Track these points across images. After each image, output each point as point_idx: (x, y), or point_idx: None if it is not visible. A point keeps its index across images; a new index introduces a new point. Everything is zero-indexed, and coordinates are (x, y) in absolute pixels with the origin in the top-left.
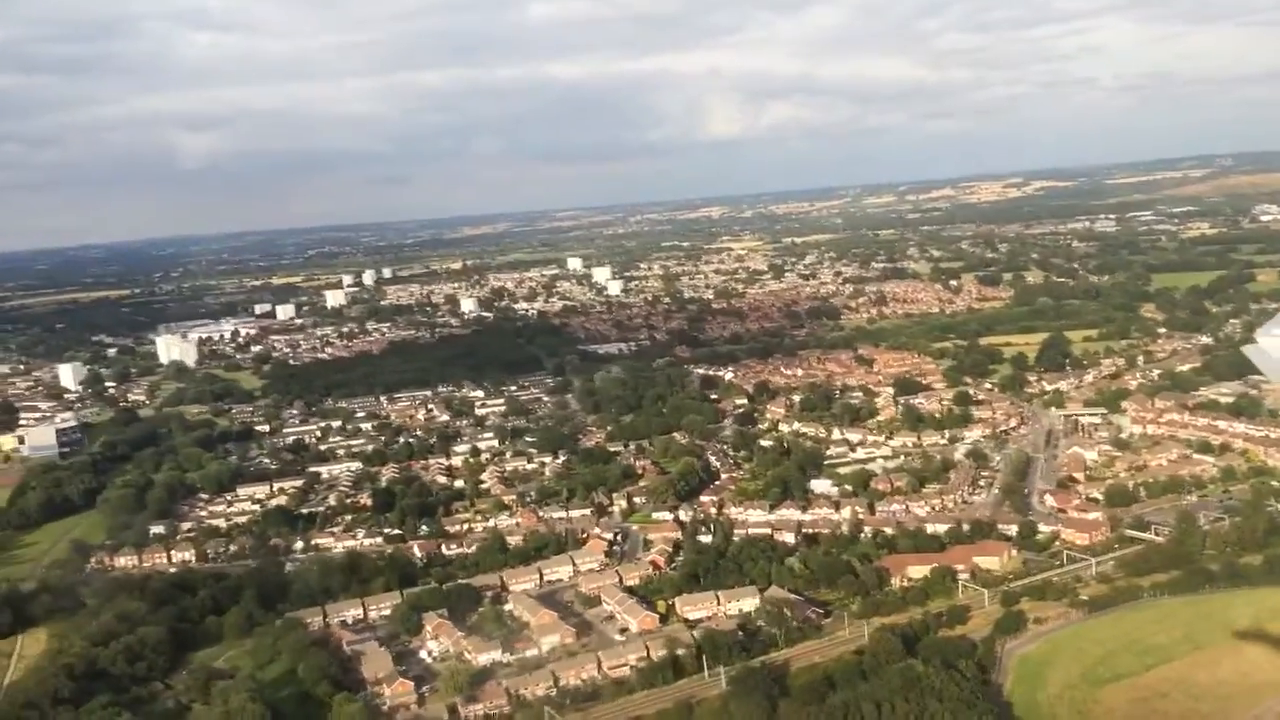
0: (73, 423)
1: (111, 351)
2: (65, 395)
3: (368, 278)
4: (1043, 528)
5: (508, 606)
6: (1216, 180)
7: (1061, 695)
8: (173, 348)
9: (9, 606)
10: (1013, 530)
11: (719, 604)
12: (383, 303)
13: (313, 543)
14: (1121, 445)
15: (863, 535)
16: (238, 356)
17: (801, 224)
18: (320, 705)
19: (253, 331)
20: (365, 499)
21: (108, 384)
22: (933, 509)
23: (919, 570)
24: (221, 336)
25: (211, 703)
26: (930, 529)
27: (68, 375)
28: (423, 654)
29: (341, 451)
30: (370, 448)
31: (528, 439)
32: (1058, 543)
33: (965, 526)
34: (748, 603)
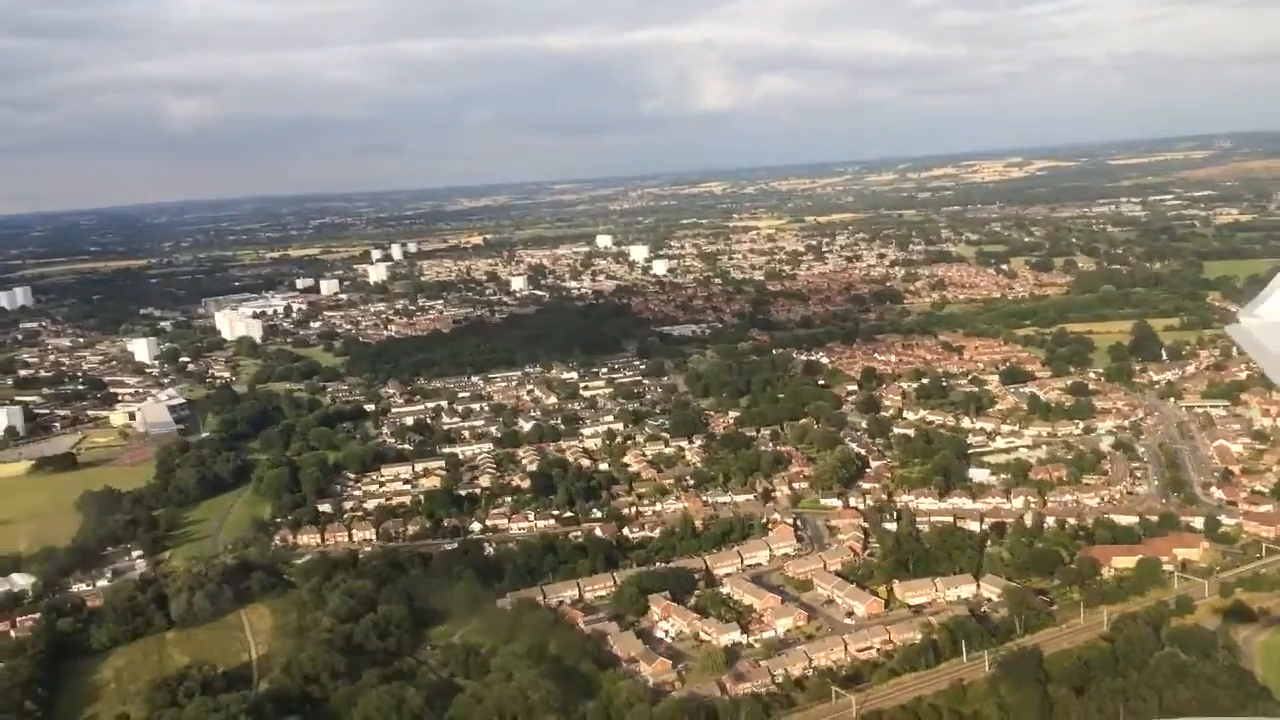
0: (180, 400)
1: (165, 325)
2: (146, 370)
3: (396, 252)
4: (1224, 520)
5: (725, 589)
6: (1227, 164)
7: None
8: (236, 323)
9: (228, 583)
10: (1198, 523)
11: (937, 590)
12: (423, 278)
13: (488, 524)
14: (1260, 437)
15: (1045, 525)
16: (300, 333)
17: (814, 202)
18: (584, 682)
19: (303, 306)
20: (518, 480)
21: (182, 359)
22: (1102, 500)
23: (1123, 561)
24: (275, 311)
25: (484, 679)
26: (1120, 520)
27: (142, 350)
28: (659, 634)
29: (466, 433)
30: (492, 429)
31: (654, 423)
32: (1244, 535)
33: (1153, 518)
34: (965, 590)
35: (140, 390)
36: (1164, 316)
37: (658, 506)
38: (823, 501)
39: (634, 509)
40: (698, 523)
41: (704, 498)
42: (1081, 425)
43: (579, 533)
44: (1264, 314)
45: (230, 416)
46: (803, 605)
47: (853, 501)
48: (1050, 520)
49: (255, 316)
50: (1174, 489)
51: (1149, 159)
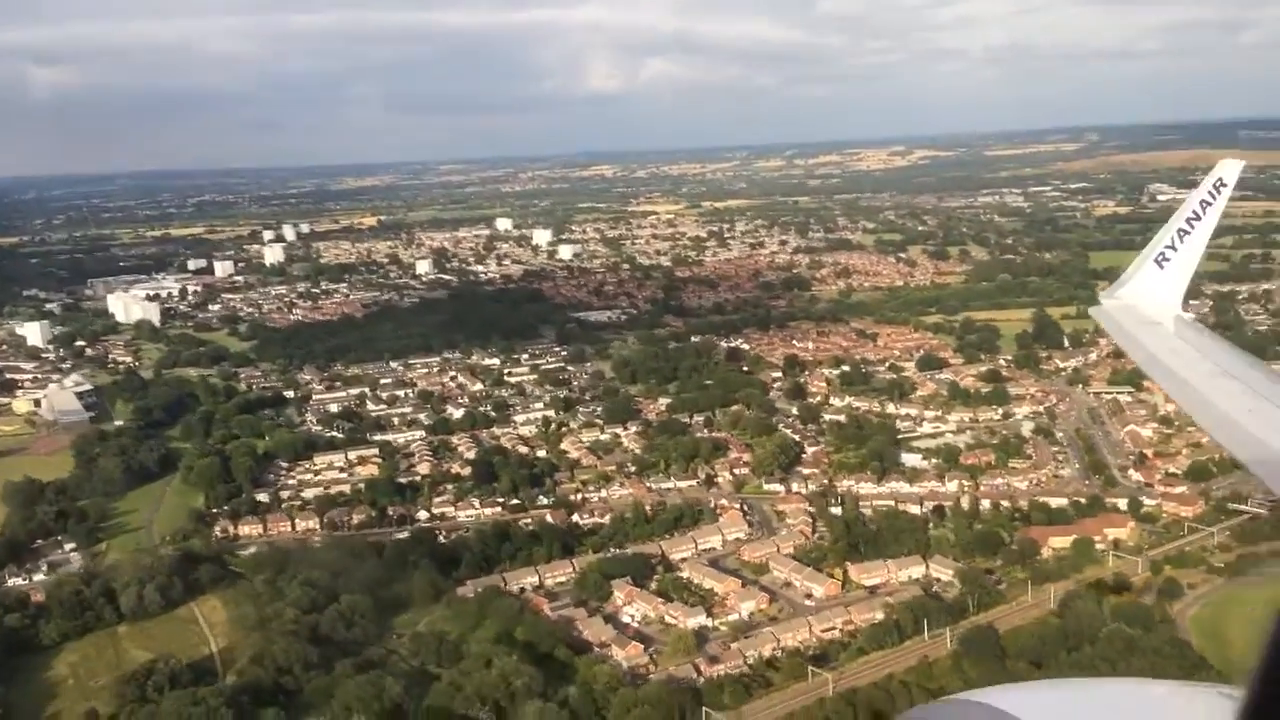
0: (87, 386)
1: (51, 308)
2: (42, 355)
3: (289, 233)
4: (1146, 501)
5: (684, 574)
6: (1097, 157)
7: (1246, 653)
8: (132, 306)
9: (177, 575)
10: (1122, 504)
11: (889, 571)
12: (321, 260)
13: (434, 512)
14: (1166, 422)
15: (982, 508)
16: (200, 316)
17: (707, 187)
18: (559, 667)
19: (198, 289)
20: (457, 468)
21: (78, 343)
22: (1030, 483)
23: (1059, 541)
24: (170, 294)
25: (459, 666)
26: (1051, 502)
27: (34, 333)
28: (624, 619)
29: (396, 420)
30: (421, 416)
31: (585, 410)
32: (1164, 514)
33: (1081, 500)
34: (916, 570)
35: (40, 376)
36: (1059, 305)
37: (603, 493)
38: (765, 487)
39: (580, 496)
40: (648, 509)
41: (648, 484)
42: (1000, 411)
43: (529, 520)
44: (1123, 296)
45: (143, 404)
46: (762, 588)
47: (795, 487)
48: (985, 503)
49: (149, 299)
50: (1094, 472)
51: (1023, 150)
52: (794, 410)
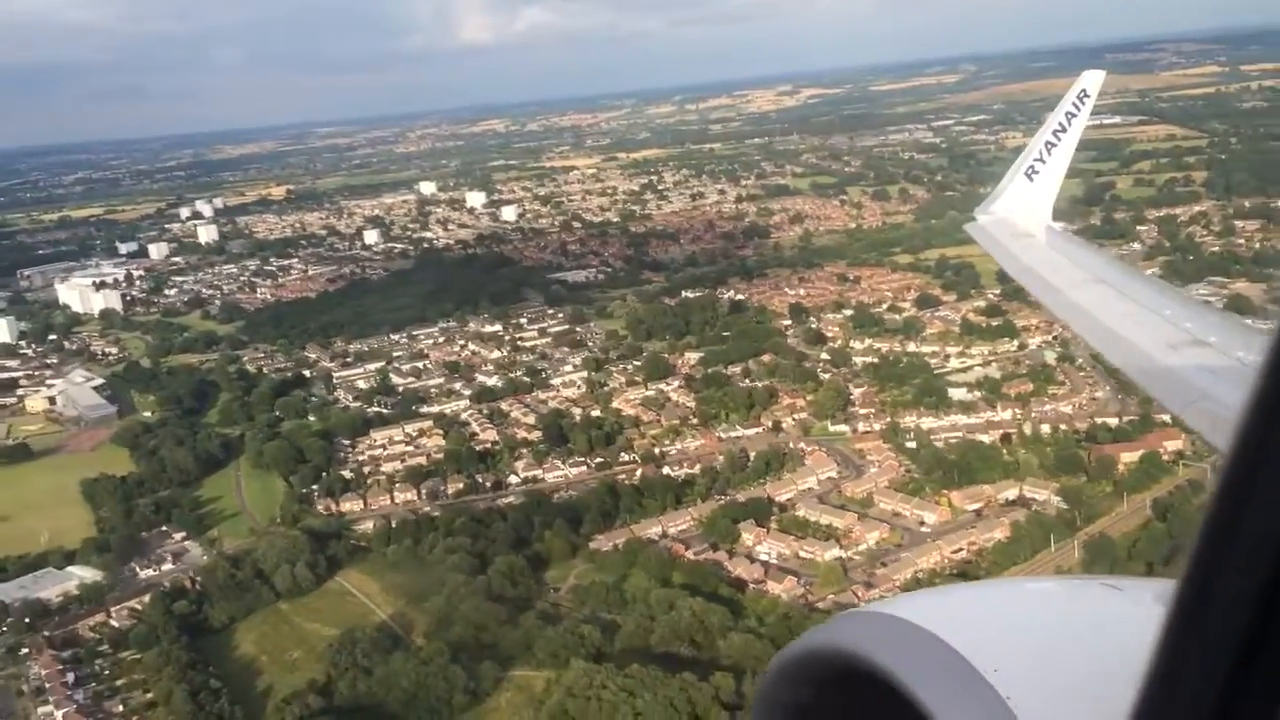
0: (98, 380)
1: None
2: (20, 352)
3: (206, 209)
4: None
5: (799, 513)
6: (987, 89)
7: None
8: (88, 295)
9: (331, 558)
10: (1165, 418)
11: (987, 496)
12: (257, 236)
13: (523, 476)
14: None
15: (1042, 432)
16: (162, 301)
17: (610, 137)
18: (727, 604)
19: (140, 273)
20: (523, 433)
21: (52, 338)
22: (1074, 407)
23: (1129, 456)
24: (116, 280)
25: (631, 611)
26: (1110, 423)
27: (3, 330)
28: (762, 557)
29: (434, 391)
30: (456, 386)
31: (615, 368)
32: None
33: (1129, 419)
34: (1010, 492)
35: (33, 373)
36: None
37: (677, 446)
38: (830, 429)
39: (657, 450)
40: (736, 457)
41: (718, 434)
42: (1015, 343)
43: (622, 476)
44: (996, 210)
45: (164, 393)
46: (877, 520)
47: (861, 427)
48: (1045, 428)
49: (98, 287)
50: (1125, 392)
51: (906, 84)
52: (823, 355)
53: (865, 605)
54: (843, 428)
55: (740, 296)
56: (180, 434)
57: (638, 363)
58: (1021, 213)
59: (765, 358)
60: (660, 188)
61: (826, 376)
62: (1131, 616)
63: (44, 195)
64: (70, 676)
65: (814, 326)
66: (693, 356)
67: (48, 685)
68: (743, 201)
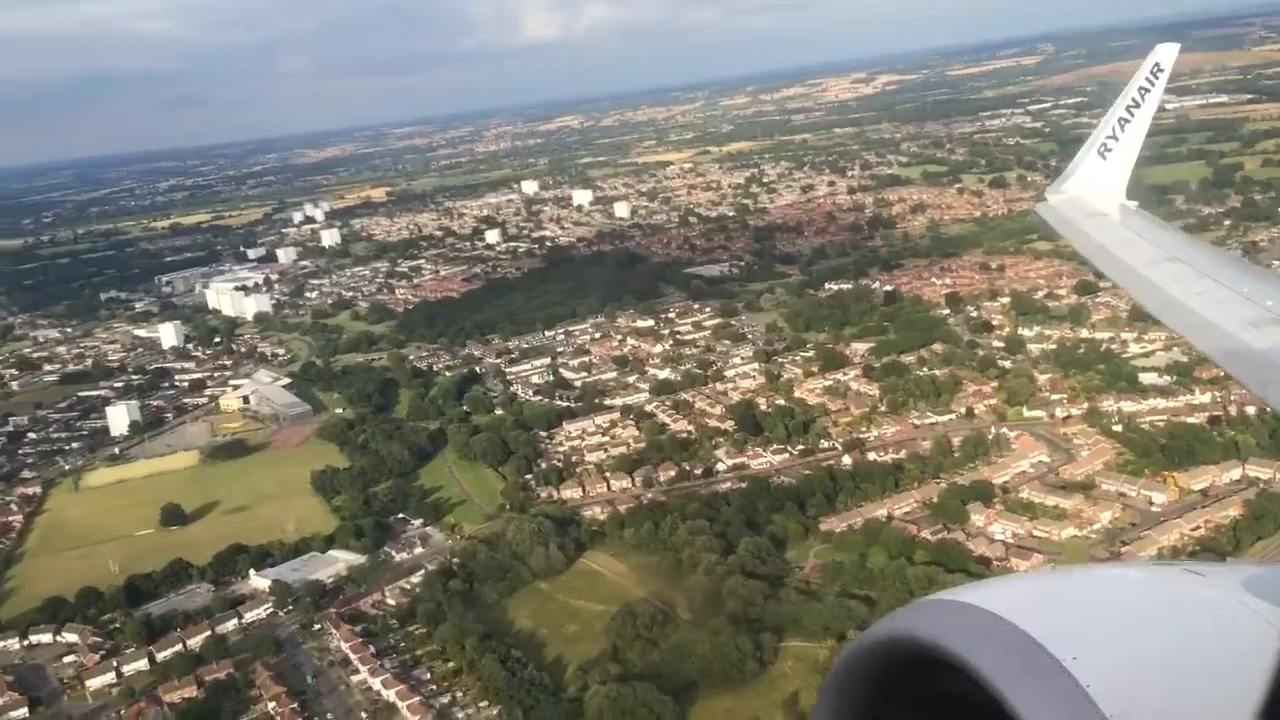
0: (285, 380)
1: (138, 307)
2: (193, 355)
3: (318, 213)
4: None
5: (1023, 495)
6: (1073, 71)
7: None
8: (240, 300)
9: (575, 540)
10: None
11: (1212, 476)
12: (375, 239)
13: (730, 463)
14: None
15: (1247, 413)
16: (307, 304)
17: (690, 131)
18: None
19: (275, 278)
20: (715, 423)
21: (217, 341)
22: None
23: None
24: (256, 284)
25: (878, 588)
26: None
27: (169, 334)
28: (997, 536)
29: (610, 384)
30: (632, 379)
31: (784, 359)
32: None
33: None
34: (1234, 473)
35: (211, 375)
36: None
37: (875, 433)
38: (1026, 414)
39: (856, 436)
40: (943, 442)
41: (912, 421)
42: None
43: (830, 462)
44: (1068, 190)
45: (350, 391)
46: (1104, 501)
47: (1059, 412)
48: (1250, 410)
49: (247, 291)
50: None
51: (984, 68)
52: (994, 343)
53: (937, 593)
54: (1038, 413)
55: (888, 287)
56: (385, 429)
57: (806, 354)
58: (1094, 191)
59: (936, 347)
60: (765, 181)
61: (1006, 364)
62: (1216, 602)
63: (147, 203)
64: (371, 649)
65: (975, 315)
66: (860, 347)
67: (353, 656)
68: (856, 192)
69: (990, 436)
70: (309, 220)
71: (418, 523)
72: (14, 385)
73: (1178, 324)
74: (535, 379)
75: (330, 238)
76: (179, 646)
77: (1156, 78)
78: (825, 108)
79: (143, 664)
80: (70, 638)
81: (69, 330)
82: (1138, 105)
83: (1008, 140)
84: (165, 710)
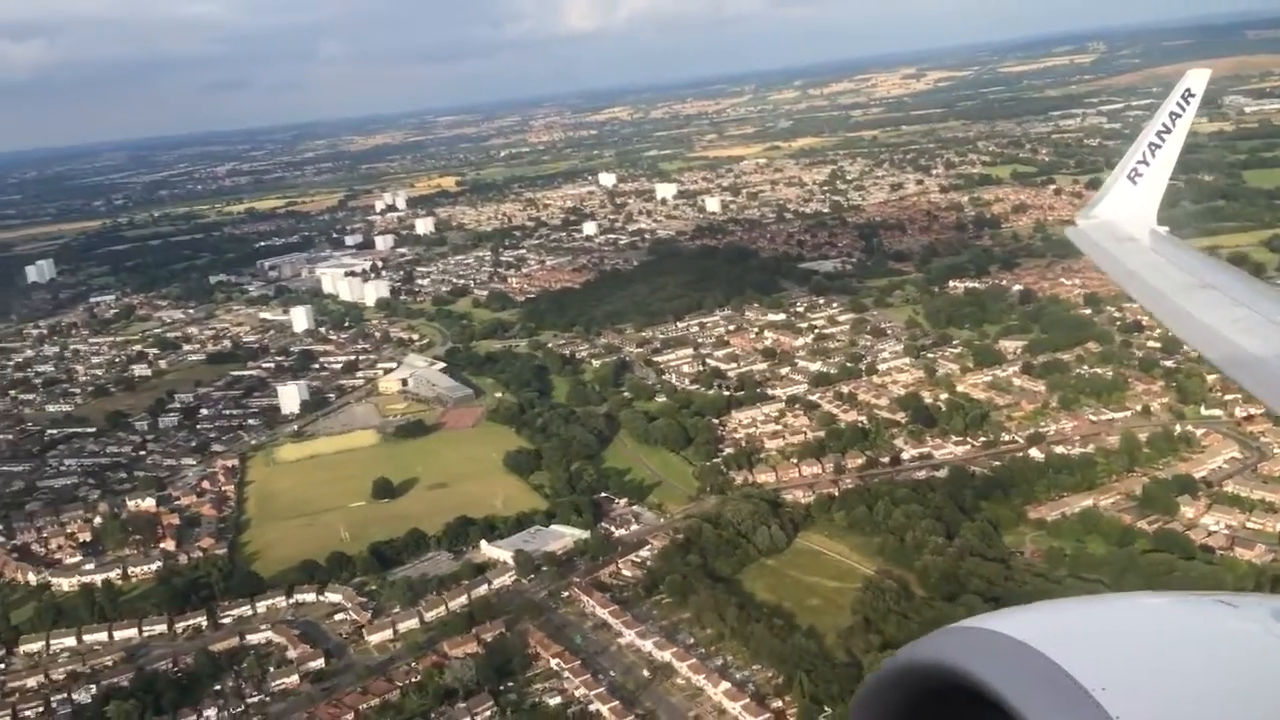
0: (440, 365)
1: (251, 290)
2: (332, 338)
3: (400, 201)
4: None
5: (1227, 489)
6: (1144, 70)
7: None
8: (358, 286)
9: (789, 521)
10: None
11: None
12: (467, 227)
13: (915, 453)
14: None
15: None
16: (423, 290)
17: (748, 124)
18: (1196, 568)
19: (379, 264)
20: (885, 414)
21: (348, 325)
22: None
23: None
24: (364, 271)
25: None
26: None
27: (300, 318)
28: (1211, 528)
29: (762, 375)
30: (784, 371)
31: (932, 355)
32: None
33: None
34: None
35: (358, 358)
36: (1267, 228)
37: (1054, 427)
38: (1203, 412)
39: (1037, 431)
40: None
41: (1089, 417)
42: None
43: (1018, 453)
44: (1099, 214)
45: (505, 376)
46: None
47: (1238, 411)
48: None
49: (365, 278)
50: None
51: (1037, 65)
52: (1149, 342)
53: (965, 620)
54: (1215, 411)
55: (1018, 286)
56: (560, 414)
57: (954, 350)
58: (1125, 216)
59: (1090, 345)
60: (849, 178)
61: (1168, 364)
62: (1248, 634)
63: (214, 187)
64: (628, 615)
65: (1118, 316)
66: (1009, 344)
67: (613, 621)
68: (948, 191)
69: (1176, 433)
70: (391, 208)
71: (622, 502)
72: (162, 364)
73: (1212, 353)
74: (686, 368)
75: (424, 226)
76: (441, 609)
77: (1188, 102)
78: (881, 104)
79: (413, 623)
80: (333, 597)
81: (191, 312)
82: (1168, 130)
83: (1089, 141)
84: (468, 660)
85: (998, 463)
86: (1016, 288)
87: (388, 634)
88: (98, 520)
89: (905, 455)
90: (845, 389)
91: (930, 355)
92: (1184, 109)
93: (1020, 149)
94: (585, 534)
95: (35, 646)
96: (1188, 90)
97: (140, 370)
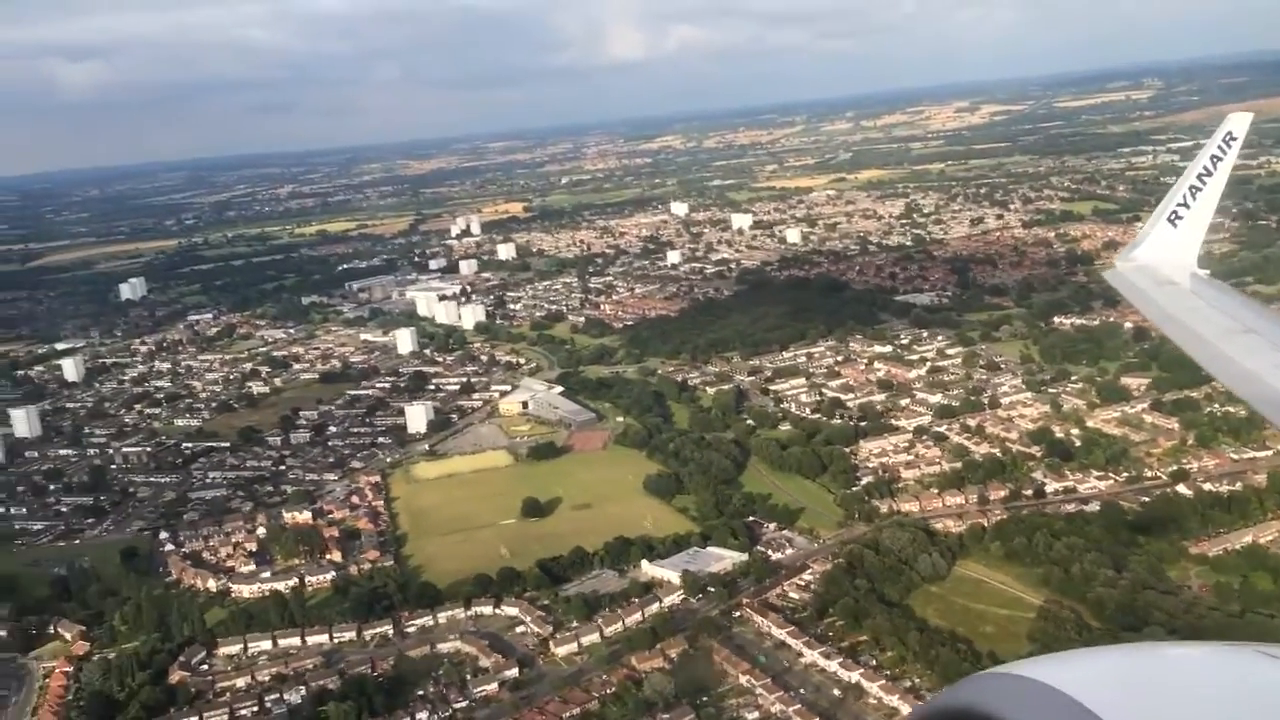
0: (559, 388)
1: (351, 313)
2: (435, 359)
3: (474, 226)
4: None
5: None
6: (1199, 108)
7: None
8: (455, 310)
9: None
10: None
11: None
12: (547, 254)
13: (1059, 485)
14: None
15: None
16: (518, 315)
17: (811, 156)
18: None
19: (468, 289)
20: (1019, 447)
21: (453, 348)
22: None
23: None
24: (455, 295)
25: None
26: None
27: (405, 340)
28: None
29: (883, 406)
30: (904, 402)
31: (1055, 390)
32: None
33: None
34: None
35: (470, 380)
36: None
37: (1196, 465)
38: None
39: (1181, 468)
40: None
41: (1229, 454)
42: None
43: (1165, 490)
44: (1138, 257)
45: (624, 401)
46: None
47: None
48: None
49: (459, 302)
50: None
51: (1092, 100)
52: None
53: (997, 666)
54: None
55: (1129, 323)
56: (690, 439)
57: (1074, 385)
58: (1165, 259)
59: (1218, 384)
60: (925, 212)
61: None
62: None
63: (281, 209)
64: (807, 635)
65: None
66: (1132, 381)
67: (792, 641)
68: (1031, 227)
69: None
70: (466, 233)
71: (771, 526)
72: (277, 381)
73: (1255, 398)
74: (803, 397)
75: (506, 251)
76: (618, 625)
77: (1229, 145)
78: (939, 136)
79: (594, 637)
80: (510, 611)
81: (291, 331)
82: (1209, 174)
83: (1165, 179)
84: (665, 674)
85: (1145, 498)
86: (1128, 324)
87: (572, 647)
88: (260, 531)
89: (1048, 488)
90: (971, 421)
91: (1052, 390)
92: (1225, 152)
93: (1096, 185)
94: (743, 556)
95: (233, 649)
96: (1229, 134)
97: (258, 387)
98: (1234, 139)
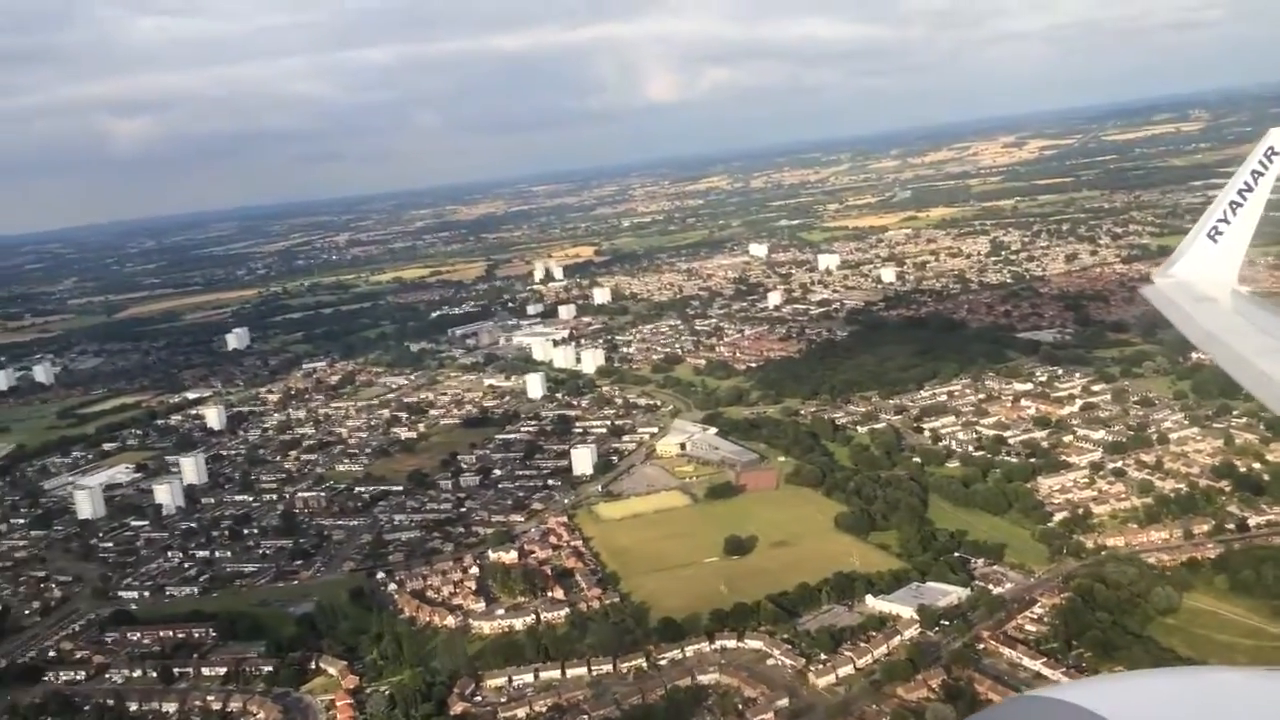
0: (714, 429)
1: (459, 356)
2: (569, 403)
3: (556, 270)
4: None
5: None
6: (1260, 138)
7: None
8: (573, 354)
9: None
10: None
11: None
12: (640, 297)
13: (1263, 519)
14: None
15: None
16: (634, 358)
17: (872, 194)
18: None
19: (574, 332)
20: (1206, 481)
21: (583, 390)
22: None
23: None
24: (565, 340)
25: None
26: None
27: (535, 385)
28: None
29: (1045, 444)
30: (1066, 438)
31: (1226, 424)
32: None
33: None
34: None
35: (615, 422)
36: None
37: None
38: None
39: None
40: None
41: None
42: None
43: None
44: (1176, 273)
45: (781, 442)
46: None
47: None
48: None
49: (578, 345)
50: None
51: (1142, 133)
52: None
53: (1033, 690)
54: None
55: None
56: (868, 477)
57: (1237, 419)
58: (1203, 276)
59: None
60: (1015, 249)
61: None
62: None
63: (348, 257)
64: (1063, 667)
65: None
66: None
67: (1047, 672)
68: (1130, 262)
69: None
70: (550, 277)
71: (980, 561)
72: (420, 427)
73: None
74: (960, 435)
75: (601, 295)
76: (868, 657)
77: (1270, 161)
78: (992, 172)
79: (849, 669)
80: (754, 644)
81: (412, 378)
82: (1250, 189)
83: None
84: (946, 705)
85: None
86: None
87: (831, 678)
88: (473, 570)
89: (1251, 522)
90: (1146, 457)
91: (1218, 425)
92: (1266, 167)
93: (1181, 219)
94: (966, 590)
95: (499, 681)
96: (1270, 149)
97: (404, 433)
98: (1275, 154)
